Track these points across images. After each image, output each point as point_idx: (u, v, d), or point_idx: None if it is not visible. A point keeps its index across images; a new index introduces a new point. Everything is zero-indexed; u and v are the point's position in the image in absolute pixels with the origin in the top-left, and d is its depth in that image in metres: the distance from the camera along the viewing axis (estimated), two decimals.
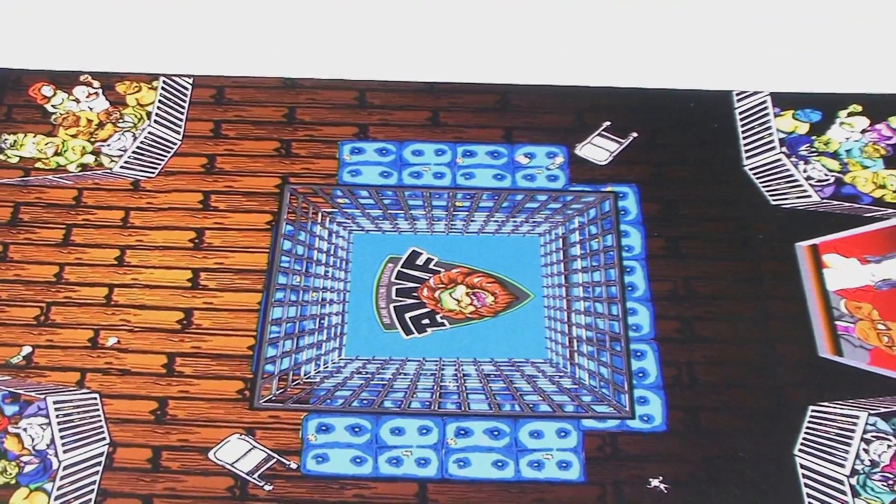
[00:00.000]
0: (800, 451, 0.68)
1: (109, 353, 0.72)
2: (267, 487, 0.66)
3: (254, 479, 0.66)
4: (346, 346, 0.73)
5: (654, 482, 0.66)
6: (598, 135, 0.82)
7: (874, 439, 0.68)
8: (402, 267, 0.76)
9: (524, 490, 0.66)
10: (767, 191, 0.79)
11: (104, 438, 0.68)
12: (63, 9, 0.91)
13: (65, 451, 0.67)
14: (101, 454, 0.67)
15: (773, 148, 0.81)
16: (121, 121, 0.83)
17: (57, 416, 0.69)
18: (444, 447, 0.68)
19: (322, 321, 0.74)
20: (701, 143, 0.82)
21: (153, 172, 0.80)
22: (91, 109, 0.84)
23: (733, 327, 0.73)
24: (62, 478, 0.66)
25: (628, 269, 0.76)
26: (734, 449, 0.68)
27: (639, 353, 0.72)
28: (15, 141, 0.82)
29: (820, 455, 0.67)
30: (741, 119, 0.83)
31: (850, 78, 0.86)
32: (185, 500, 0.66)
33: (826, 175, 0.80)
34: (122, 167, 0.80)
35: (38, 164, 0.80)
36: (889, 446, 0.68)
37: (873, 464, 0.67)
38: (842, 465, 0.67)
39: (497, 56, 0.88)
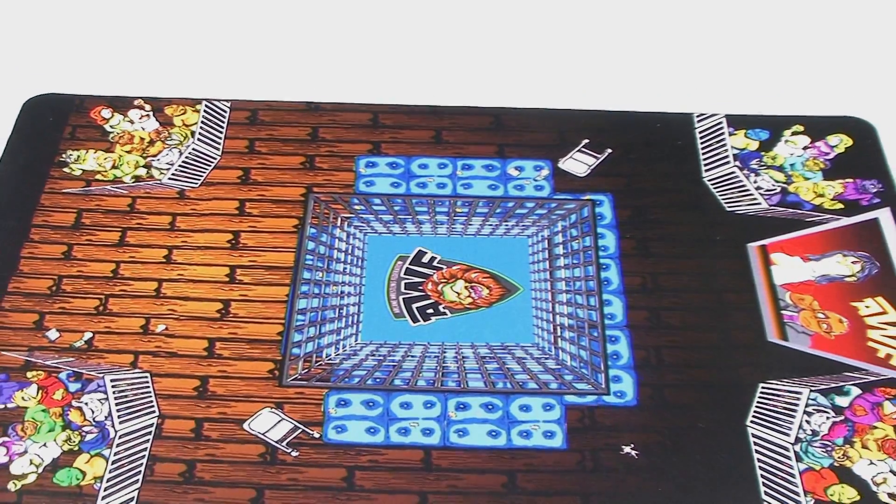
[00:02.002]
0: (751, 422, 0.67)
1: (158, 338, 0.71)
2: (293, 454, 0.66)
3: (282, 446, 0.66)
4: (362, 332, 0.72)
5: (627, 449, 0.66)
6: (578, 151, 0.82)
7: (815, 412, 0.68)
8: (409, 264, 0.76)
9: (514, 456, 0.66)
10: (723, 199, 0.79)
11: (154, 411, 0.67)
12: (120, 44, 0.92)
13: (120, 422, 0.67)
14: (151, 425, 0.67)
15: (727, 162, 0.81)
16: (169, 139, 0.83)
17: (113, 392, 0.68)
18: (446, 419, 0.68)
19: (341, 311, 0.73)
20: (666, 158, 0.81)
21: (196, 183, 0.80)
22: (143, 129, 0.83)
23: (694, 316, 0.72)
24: (118, 445, 0.66)
25: (604, 266, 0.75)
26: (695, 420, 0.67)
27: (613, 339, 0.71)
28: (78, 156, 0.81)
29: (768, 426, 0.67)
30: (700, 137, 0.83)
31: (793, 102, 0.85)
32: (224, 465, 0.65)
33: (773, 185, 0.80)
34: (169, 178, 0.80)
35: (98, 176, 0.80)
36: (828, 418, 0.67)
37: (814, 433, 0.67)
38: (787, 434, 0.67)
39: (491, 83, 0.88)
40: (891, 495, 0.64)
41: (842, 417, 0.67)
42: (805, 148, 0.82)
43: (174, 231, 0.77)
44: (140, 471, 0.65)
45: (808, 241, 0.76)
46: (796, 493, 0.64)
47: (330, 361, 0.71)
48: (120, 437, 0.66)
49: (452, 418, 0.68)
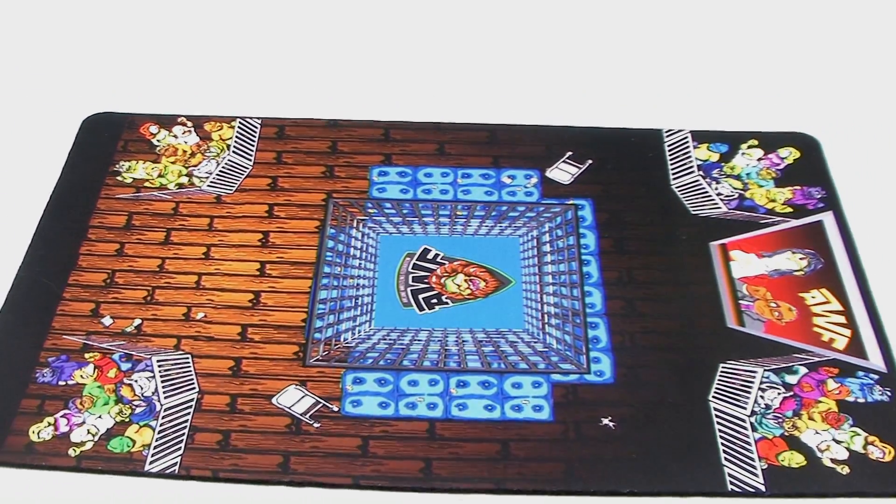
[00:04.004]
0: (713, 397, 0.67)
1: (198, 324, 0.71)
2: (315, 425, 0.65)
3: (306, 419, 0.66)
4: (375, 319, 0.72)
5: (605, 421, 0.66)
6: (563, 161, 0.82)
7: (768, 388, 0.67)
8: (416, 260, 0.75)
9: (508, 427, 0.65)
10: (688, 203, 0.78)
11: (194, 388, 0.67)
12: (166, 69, 0.91)
13: (165, 398, 0.67)
14: (192, 400, 0.66)
15: (692, 172, 0.81)
16: (208, 151, 0.82)
17: (160, 371, 0.68)
18: (448, 395, 0.67)
19: (356, 301, 0.73)
20: (639, 168, 0.81)
21: (231, 189, 0.79)
22: (186, 143, 0.83)
23: (663, 305, 0.72)
24: (163, 417, 0.66)
25: (585, 262, 0.75)
26: (664, 397, 0.67)
27: (593, 325, 0.71)
28: (129, 166, 0.81)
29: (727, 400, 0.67)
30: (669, 150, 0.82)
31: (749, 119, 0.85)
32: (255, 434, 0.65)
33: (732, 192, 0.79)
34: (208, 185, 0.80)
35: (146, 184, 0.80)
36: (779, 394, 0.67)
37: (767, 407, 0.66)
38: (744, 408, 0.66)
39: (487, 103, 0.88)
40: (833, 460, 0.64)
41: (791, 393, 0.67)
42: (759, 159, 0.82)
43: (212, 231, 0.77)
44: (182, 440, 0.64)
45: (761, 240, 0.76)
46: (752, 459, 0.64)
47: (347, 345, 0.70)
48: (165, 411, 0.66)
49: (454, 394, 0.67)
